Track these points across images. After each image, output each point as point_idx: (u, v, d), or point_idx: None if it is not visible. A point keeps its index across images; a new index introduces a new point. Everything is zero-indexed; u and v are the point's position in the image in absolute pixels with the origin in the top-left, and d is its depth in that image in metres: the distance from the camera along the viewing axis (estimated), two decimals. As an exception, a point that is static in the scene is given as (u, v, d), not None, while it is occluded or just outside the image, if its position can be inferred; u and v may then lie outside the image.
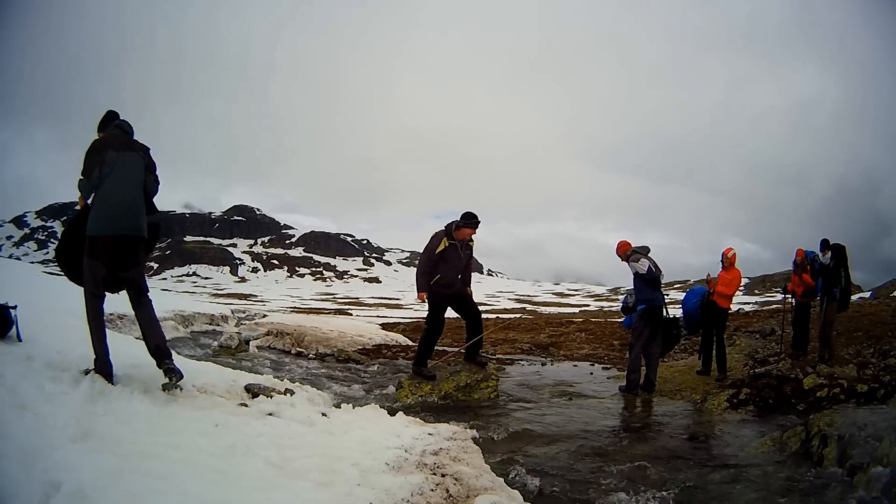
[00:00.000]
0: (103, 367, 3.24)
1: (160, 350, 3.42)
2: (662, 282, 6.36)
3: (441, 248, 5.57)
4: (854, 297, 20.01)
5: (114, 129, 3.59)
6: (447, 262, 5.59)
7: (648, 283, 6.19)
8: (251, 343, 9.77)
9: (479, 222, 5.70)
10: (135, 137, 3.66)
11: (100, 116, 3.69)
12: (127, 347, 4.56)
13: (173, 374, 3.33)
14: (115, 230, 3.34)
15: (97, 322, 3.33)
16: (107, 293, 3.48)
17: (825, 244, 7.44)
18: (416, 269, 5.75)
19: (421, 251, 5.85)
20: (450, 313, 5.90)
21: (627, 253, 6.34)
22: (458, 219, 5.69)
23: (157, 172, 3.68)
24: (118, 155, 3.44)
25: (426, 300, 5.70)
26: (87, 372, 3.19)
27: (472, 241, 5.78)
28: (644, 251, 6.30)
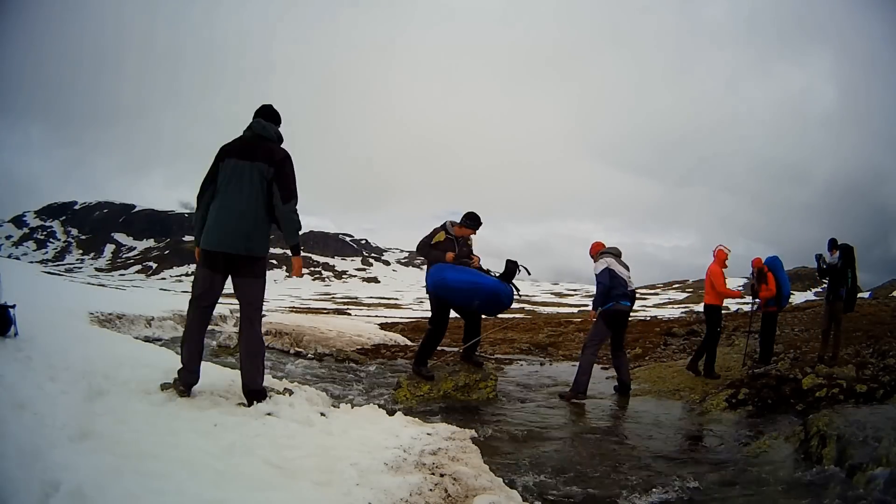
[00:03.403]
0: None
1: None
2: (631, 286, 6.09)
3: (437, 239, 5.57)
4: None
5: None
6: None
7: (609, 285, 5.98)
8: (250, 343, 9.75)
9: (480, 224, 5.71)
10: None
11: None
12: (126, 347, 4.57)
13: None
14: None
15: None
16: None
17: (833, 243, 7.42)
18: (426, 262, 5.66)
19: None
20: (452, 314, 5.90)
21: (598, 252, 6.24)
22: (461, 219, 5.73)
23: None
24: None
25: (431, 301, 5.70)
26: None
27: (470, 240, 5.78)
28: (613, 252, 6.21)
